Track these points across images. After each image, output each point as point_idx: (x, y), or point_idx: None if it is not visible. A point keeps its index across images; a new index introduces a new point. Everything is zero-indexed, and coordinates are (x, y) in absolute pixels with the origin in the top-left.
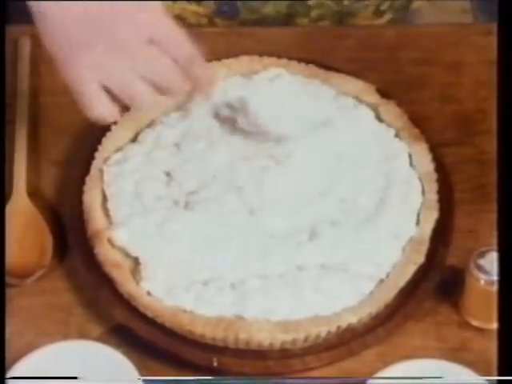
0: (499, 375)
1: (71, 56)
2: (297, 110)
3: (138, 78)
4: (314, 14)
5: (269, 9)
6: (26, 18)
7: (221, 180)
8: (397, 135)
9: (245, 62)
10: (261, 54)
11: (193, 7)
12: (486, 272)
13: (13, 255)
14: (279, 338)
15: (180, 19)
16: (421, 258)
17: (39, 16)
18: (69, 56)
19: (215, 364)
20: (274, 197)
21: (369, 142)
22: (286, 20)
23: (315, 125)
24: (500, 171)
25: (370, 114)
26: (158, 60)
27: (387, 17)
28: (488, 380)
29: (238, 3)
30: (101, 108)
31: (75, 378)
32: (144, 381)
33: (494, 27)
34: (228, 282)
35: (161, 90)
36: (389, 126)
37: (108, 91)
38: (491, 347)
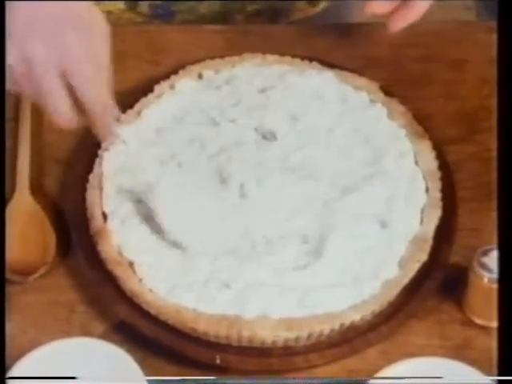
0: (499, 374)
1: None
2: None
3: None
4: (250, 8)
5: (204, 8)
6: None
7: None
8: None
9: (248, 59)
10: (264, 52)
11: (128, 13)
12: (489, 270)
13: (16, 252)
14: (282, 336)
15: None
16: (424, 256)
17: None
18: None
19: (218, 361)
20: (285, 197)
21: (382, 141)
22: (223, 18)
23: (329, 125)
24: (500, 169)
25: (383, 112)
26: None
27: (322, 5)
28: (491, 379)
29: (172, 5)
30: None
31: (75, 378)
32: (148, 380)
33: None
34: (229, 281)
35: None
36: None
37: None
38: (494, 345)
